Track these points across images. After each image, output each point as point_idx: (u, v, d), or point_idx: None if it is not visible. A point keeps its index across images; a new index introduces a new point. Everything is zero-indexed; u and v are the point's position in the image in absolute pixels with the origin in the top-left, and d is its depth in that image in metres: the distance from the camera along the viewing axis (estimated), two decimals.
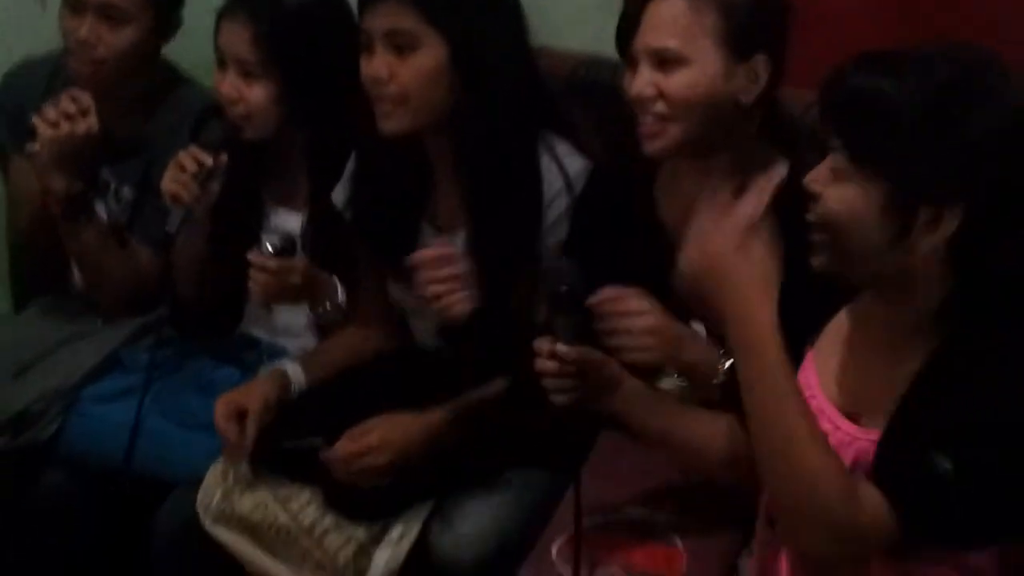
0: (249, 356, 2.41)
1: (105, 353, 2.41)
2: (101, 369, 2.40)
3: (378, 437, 2.00)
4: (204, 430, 2.22)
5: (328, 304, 2.19)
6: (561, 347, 1.62)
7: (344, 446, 2.00)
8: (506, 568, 1.86)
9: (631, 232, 1.98)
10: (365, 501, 2.00)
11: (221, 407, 2.11)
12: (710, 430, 1.69)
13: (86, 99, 2.27)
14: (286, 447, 2.08)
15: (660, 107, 1.81)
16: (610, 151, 2.09)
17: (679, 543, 1.78)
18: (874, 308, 1.53)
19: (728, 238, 1.50)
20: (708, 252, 1.52)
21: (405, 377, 2.18)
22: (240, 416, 2.10)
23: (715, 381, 1.74)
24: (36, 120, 2.27)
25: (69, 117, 2.25)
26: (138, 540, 2.24)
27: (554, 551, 1.77)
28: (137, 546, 2.26)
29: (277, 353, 2.38)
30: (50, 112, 2.26)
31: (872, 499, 1.42)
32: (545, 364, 1.64)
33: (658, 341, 1.73)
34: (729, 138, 1.85)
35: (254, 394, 2.13)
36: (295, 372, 2.21)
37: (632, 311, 1.73)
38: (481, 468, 2.07)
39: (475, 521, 2.01)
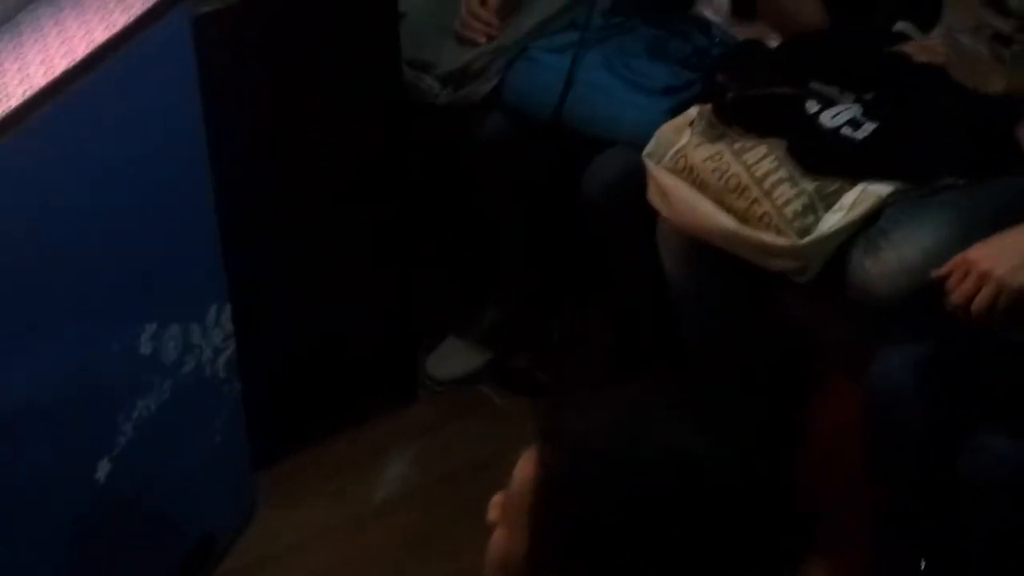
0: (700, 39, 2.31)
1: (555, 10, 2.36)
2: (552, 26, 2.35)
3: None
4: (650, 94, 2.18)
5: None
6: None
7: None
8: None
9: None
10: (830, 156, 1.89)
11: None
12: None
13: None
14: (751, 96, 1.98)
15: None
16: None
17: None
18: None
19: None
20: None
21: None
22: None
23: None
24: None
25: None
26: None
27: None
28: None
29: (726, 40, 2.30)
30: None
31: None
32: None
33: None
34: None
35: None
36: None
37: None
38: None
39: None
